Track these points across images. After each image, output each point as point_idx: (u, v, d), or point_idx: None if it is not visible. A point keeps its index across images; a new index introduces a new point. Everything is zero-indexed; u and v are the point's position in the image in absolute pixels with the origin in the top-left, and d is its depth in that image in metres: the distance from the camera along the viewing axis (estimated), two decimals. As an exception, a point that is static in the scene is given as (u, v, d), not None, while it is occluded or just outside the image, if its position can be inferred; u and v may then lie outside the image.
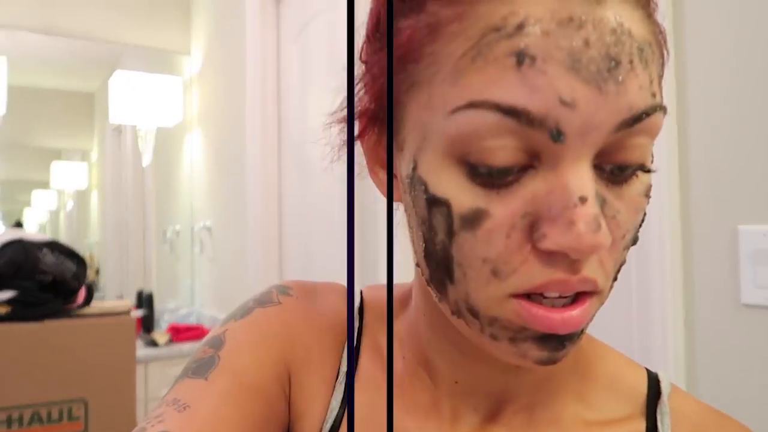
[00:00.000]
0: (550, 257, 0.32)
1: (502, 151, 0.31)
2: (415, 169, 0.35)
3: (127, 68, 2.62)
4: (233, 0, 2.30)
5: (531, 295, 0.33)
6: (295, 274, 2.03)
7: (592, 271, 0.33)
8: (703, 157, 0.85)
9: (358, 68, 0.40)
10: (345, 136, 0.43)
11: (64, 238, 3.11)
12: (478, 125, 0.31)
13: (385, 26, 0.36)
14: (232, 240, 2.38)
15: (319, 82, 1.87)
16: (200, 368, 0.42)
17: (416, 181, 0.35)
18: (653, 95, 0.32)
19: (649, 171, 0.34)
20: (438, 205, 0.33)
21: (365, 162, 0.42)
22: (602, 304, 0.36)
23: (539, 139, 0.30)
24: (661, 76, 0.33)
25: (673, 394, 0.43)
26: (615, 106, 0.30)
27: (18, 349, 1.44)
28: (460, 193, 0.32)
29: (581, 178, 0.31)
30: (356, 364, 0.46)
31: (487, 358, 0.40)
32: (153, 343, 2.35)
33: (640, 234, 0.36)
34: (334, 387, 0.45)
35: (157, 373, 2.22)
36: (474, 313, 0.35)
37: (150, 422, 0.38)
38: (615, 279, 0.36)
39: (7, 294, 1.45)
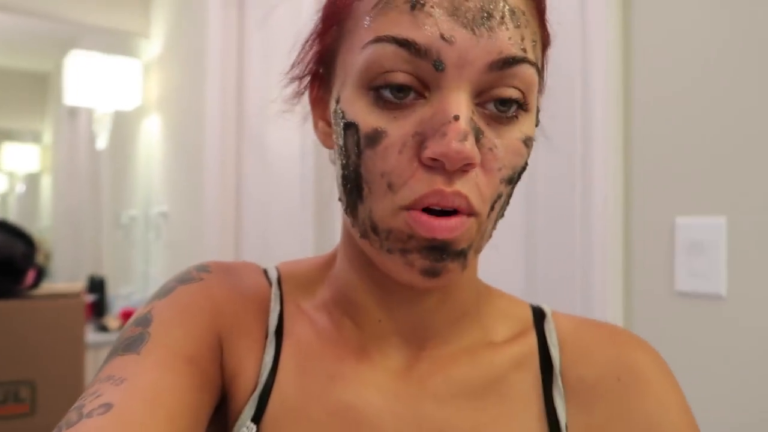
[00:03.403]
0: (431, 170, 0.38)
1: (397, 73, 0.38)
2: (338, 101, 0.42)
3: (83, 49, 2.56)
4: (196, -16, 2.28)
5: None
6: (253, 258, 2.02)
7: (465, 188, 0.39)
8: (645, 152, 0.90)
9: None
10: (297, 90, 0.49)
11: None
12: (380, 54, 0.38)
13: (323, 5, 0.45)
14: (188, 226, 2.36)
15: (281, 71, 1.87)
16: (131, 345, 0.42)
17: (338, 114, 0.42)
18: (524, 50, 0.39)
19: (527, 110, 0.41)
20: (350, 128, 0.40)
21: (311, 118, 0.49)
22: (482, 230, 0.42)
23: (425, 69, 0.38)
24: (535, 44, 0.41)
25: (554, 315, 0.52)
26: (486, 47, 0.38)
27: (-38, 329, 1.40)
28: (366, 116, 0.39)
29: (457, 102, 0.38)
30: (283, 326, 0.50)
31: (406, 295, 0.46)
32: (104, 329, 2.31)
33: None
34: (265, 345, 0.49)
35: (108, 358, 2.18)
36: (375, 230, 0.41)
37: (87, 399, 0.38)
38: (493, 209, 0.42)
39: (-49, 273, 1.41)
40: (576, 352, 0.48)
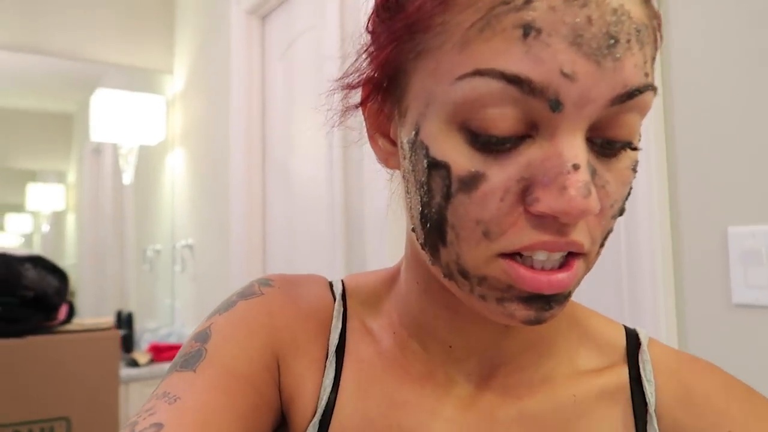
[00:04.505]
0: (540, 220, 0.33)
1: (503, 120, 0.32)
2: (417, 133, 0.36)
3: (108, 87, 2.61)
4: (218, 19, 2.32)
5: (522, 257, 0.34)
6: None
7: (580, 235, 0.34)
8: (691, 159, 0.88)
9: (364, 38, 0.41)
10: (348, 102, 0.44)
11: (40, 259, 3.03)
12: (482, 92, 0.32)
13: None
14: (214, 258, 2.36)
15: (304, 100, 1.89)
16: (188, 362, 0.42)
17: (418, 146, 0.36)
18: (646, 75, 0.33)
19: (635, 149, 0.36)
20: (438, 168, 0.35)
21: (365, 129, 0.44)
22: (589, 269, 0.38)
23: (539, 109, 0.32)
24: (653, 58, 0.35)
25: (651, 345, 0.46)
26: (611, 81, 0.32)
27: (-1, 366, 1.40)
28: (460, 157, 0.34)
29: (575, 147, 0.32)
30: (345, 345, 0.47)
31: (480, 318, 0.41)
32: (134, 363, 2.30)
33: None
34: (325, 367, 0.46)
35: (138, 393, 2.17)
36: (464, 274, 0.36)
37: (141, 416, 0.38)
38: (602, 245, 0.37)
39: (-13, 310, 1.41)
40: (675, 393, 0.43)
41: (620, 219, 0.94)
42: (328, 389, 0.45)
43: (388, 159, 0.43)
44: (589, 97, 0.32)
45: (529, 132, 0.33)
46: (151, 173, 2.99)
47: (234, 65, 2.14)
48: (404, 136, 0.38)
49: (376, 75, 0.40)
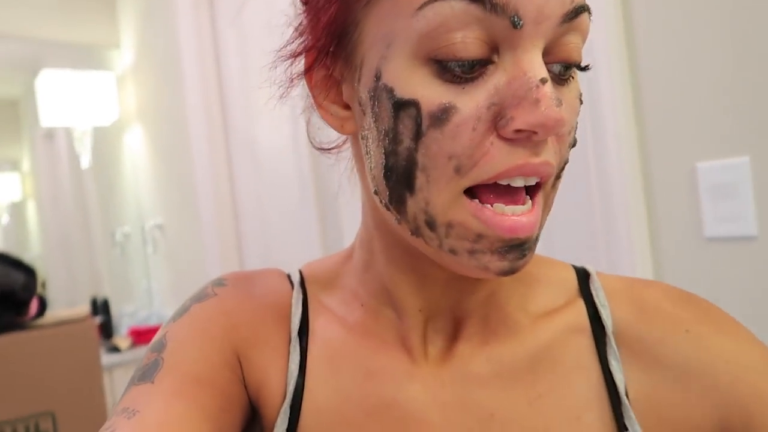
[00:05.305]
0: (513, 145, 0.34)
1: (469, 41, 0.33)
2: (379, 79, 0.36)
3: (52, 67, 2.50)
4: (161, -13, 2.22)
5: (484, 203, 0.35)
6: (256, 261, 2.00)
7: (550, 155, 0.35)
8: (656, 96, 0.87)
9: (299, 8, 0.41)
10: (293, 71, 0.43)
11: (4, 253, 2.95)
12: (446, 15, 0.33)
13: None
14: (186, 235, 2.32)
15: (261, 64, 1.82)
16: (146, 374, 0.42)
17: (381, 91, 0.36)
18: None
19: (585, 68, 0.38)
20: (406, 107, 0.35)
21: (313, 100, 0.43)
22: (550, 205, 0.39)
23: (501, 28, 0.33)
24: None
25: (600, 275, 0.48)
26: None
27: (-26, 368, 1.36)
28: (428, 91, 0.34)
29: (538, 63, 0.34)
30: (308, 328, 0.47)
31: (446, 278, 0.43)
32: (115, 349, 2.27)
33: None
34: (289, 352, 0.46)
35: (123, 379, 2.15)
36: (431, 225, 0.36)
37: None
38: (559, 177, 0.39)
39: (-46, 312, 1.36)
40: (629, 310, 0.45)
41: (590, 159, 0.94)
42: (295, 373, 0.45)
43: (343, 125, 0.42)
44: (544, 13, 0.33)
45: (490, 56, 0.34)
46: (109, 154, 2.90)
47: (183, 34, 2.06)
48: (362, 89, 0.38)
49: (319, 40, 0.39)
